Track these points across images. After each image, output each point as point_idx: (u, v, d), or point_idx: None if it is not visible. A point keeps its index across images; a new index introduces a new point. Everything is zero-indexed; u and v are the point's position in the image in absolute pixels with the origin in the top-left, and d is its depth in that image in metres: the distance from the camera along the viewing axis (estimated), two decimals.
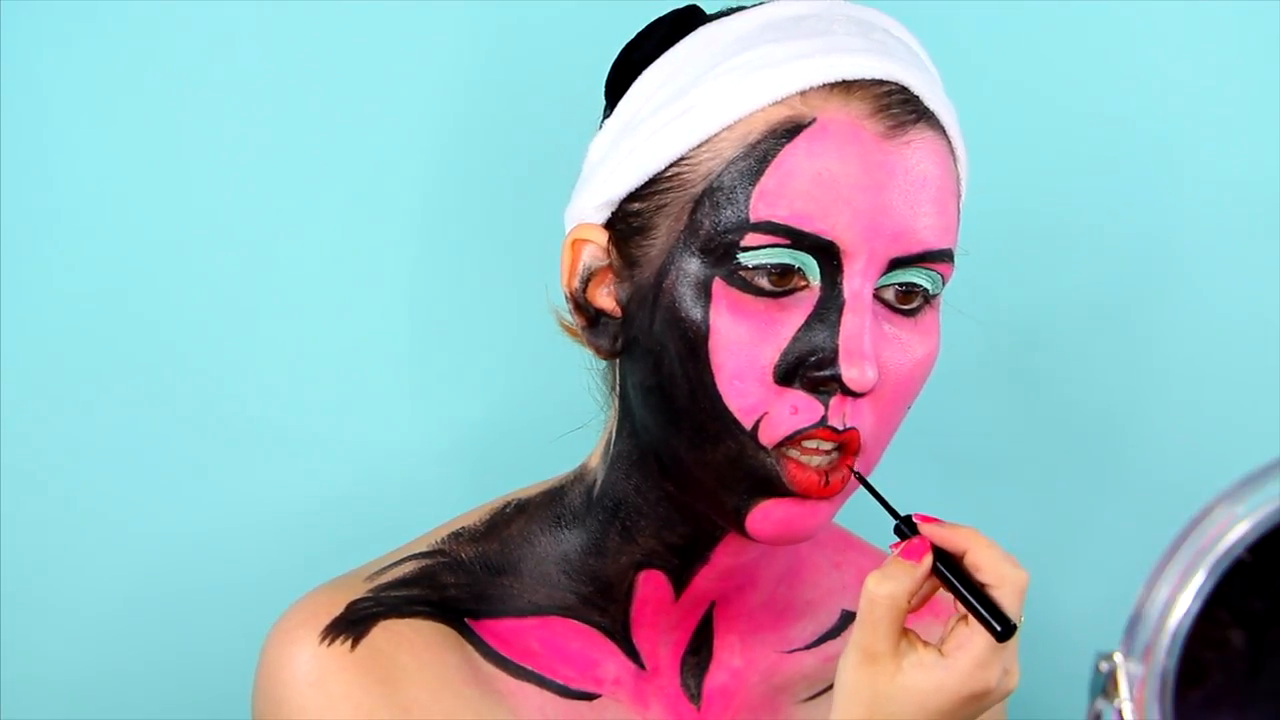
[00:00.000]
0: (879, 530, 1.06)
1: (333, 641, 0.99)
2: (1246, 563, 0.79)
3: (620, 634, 1.05)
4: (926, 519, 0.95)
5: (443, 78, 1.31)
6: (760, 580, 1.07)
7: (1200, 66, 1.38)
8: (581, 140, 1.05)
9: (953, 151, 1.00)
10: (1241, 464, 0.85)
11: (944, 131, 1.00)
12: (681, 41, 1.01)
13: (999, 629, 0.90)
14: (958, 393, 1.36)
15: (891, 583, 0.92)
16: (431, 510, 1.14)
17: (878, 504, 0.97)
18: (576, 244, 1.02)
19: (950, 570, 0.93)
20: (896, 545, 0.95)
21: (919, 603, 0.94)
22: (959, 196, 1.01)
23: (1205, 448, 1.37)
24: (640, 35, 1.03)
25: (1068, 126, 1.38)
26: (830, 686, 1.03)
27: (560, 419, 1.11)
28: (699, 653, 1.07)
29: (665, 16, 1.03)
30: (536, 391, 1.30)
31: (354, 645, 0.99)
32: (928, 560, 0.93)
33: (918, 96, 0.98)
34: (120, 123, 1.28)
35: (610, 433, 1.05)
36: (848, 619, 1.10)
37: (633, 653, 1.05)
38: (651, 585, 1.04)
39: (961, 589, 0.92)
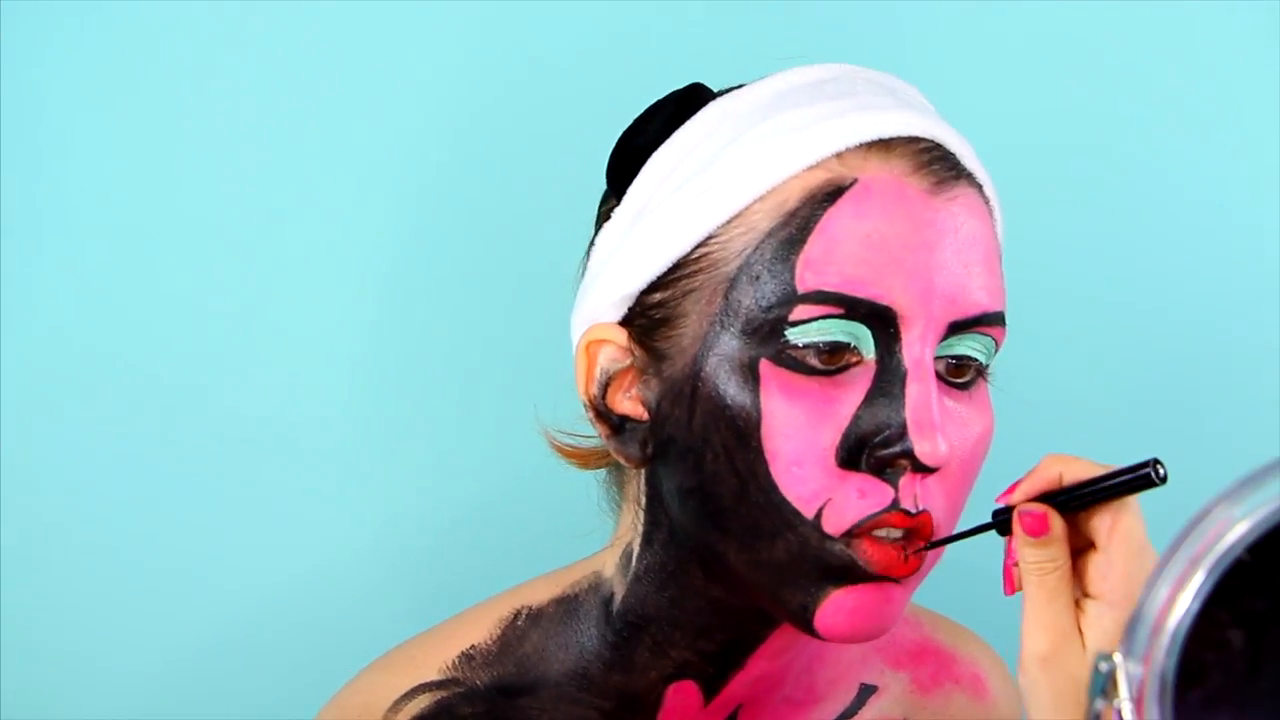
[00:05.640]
0: None
1: None
2: (1246, 563, 0.79)
3: None
4: (1007, 494, 0.88)
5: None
6: (787, 677, 1.02)
7: (1193, 64, 1.38)
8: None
9: (991, 212, 0.96)
10: (1241, 464, 0.85)
11: (981, 190, 0.95)
12: (693, 118, 0.95)
13: (1152, 474, 0.83)
14: None
15: (1038, 576, 0.84)
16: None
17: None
18: (592, 346, 0.95)
19: (1070, 496, 0.85)
20: (1010, 539, 0.87)
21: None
22: (1001, 258, 0.96)
23: (1205, 448, 1.37)
24: (641, 119, 0.97)
25: (1065, 126, 1.38)
26: None
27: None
28: None
29: (667, 98, 0.97)
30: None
31: None
32: (1056, 521, 0.85)
33: (955, 154, 0.93)
34: (121, 123, 1.28)
35: (631, 545, 0.98)
36: (866, 693, 1.06)
37: None
38: (681, 695, 0.99)
39: (1099, 487, 0.84)
